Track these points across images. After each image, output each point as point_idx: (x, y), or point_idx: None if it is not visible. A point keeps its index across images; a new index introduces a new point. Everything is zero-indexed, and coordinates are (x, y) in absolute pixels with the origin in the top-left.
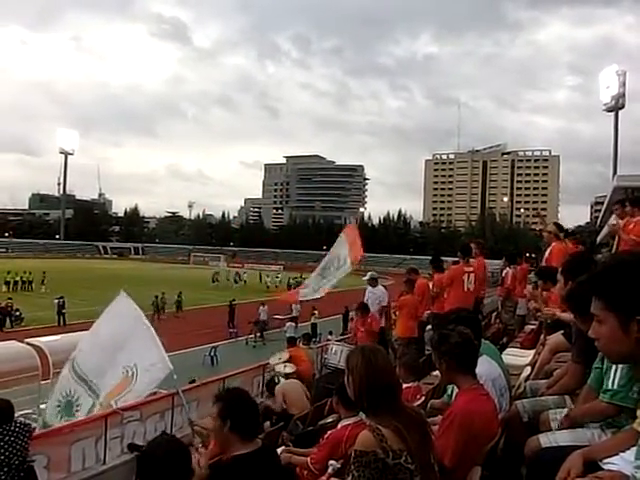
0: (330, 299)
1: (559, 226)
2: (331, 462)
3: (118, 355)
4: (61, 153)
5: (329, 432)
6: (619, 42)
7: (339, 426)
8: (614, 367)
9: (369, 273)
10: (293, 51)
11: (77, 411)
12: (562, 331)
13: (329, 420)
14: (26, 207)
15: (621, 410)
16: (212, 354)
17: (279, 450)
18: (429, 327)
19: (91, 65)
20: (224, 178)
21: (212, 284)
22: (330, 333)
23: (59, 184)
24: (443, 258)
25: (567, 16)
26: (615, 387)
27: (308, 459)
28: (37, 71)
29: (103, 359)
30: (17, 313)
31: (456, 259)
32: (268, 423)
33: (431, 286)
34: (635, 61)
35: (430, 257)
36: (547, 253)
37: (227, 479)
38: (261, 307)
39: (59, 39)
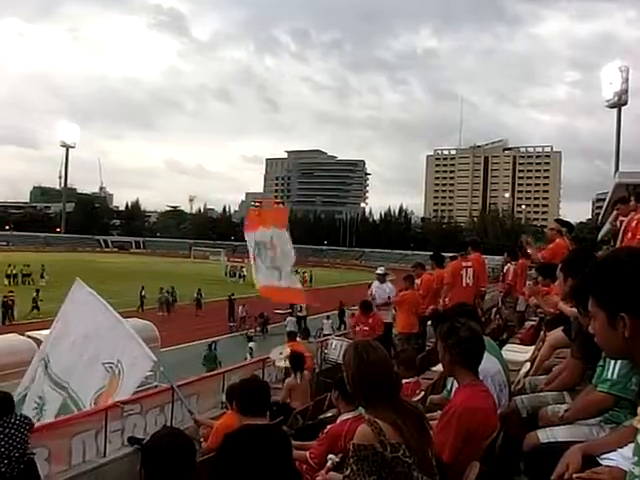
0: (324, 294)
1: (561, 222)
2: (330, 456)
3: (92, 351)
4: (62, 146)
5: (328, 426)
6: (620, 37)
7: (338, 420)
8: None
9: (380, 268)
10: (292, 44)
11: (45, 411)
12: (562, 327)
13: (329, 414)
14: (27, 200)
15: (618, 403)
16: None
17: None
18: (430, 322)
19: (89, 57)
20: (224, 172)
21: (230, 278)
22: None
23: (60, 177)
24: (443, 254)
25: (566, 10)
26: (615, 377)
27: (307, 453)
28: (34, 63)
29: (76, 358)
30: (34, 304)
31: (454, 254)
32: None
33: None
34: (636, 56)
35: (431, 253)
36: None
37: (237, 443)
38: (241, 307)
39: (56, 31)
